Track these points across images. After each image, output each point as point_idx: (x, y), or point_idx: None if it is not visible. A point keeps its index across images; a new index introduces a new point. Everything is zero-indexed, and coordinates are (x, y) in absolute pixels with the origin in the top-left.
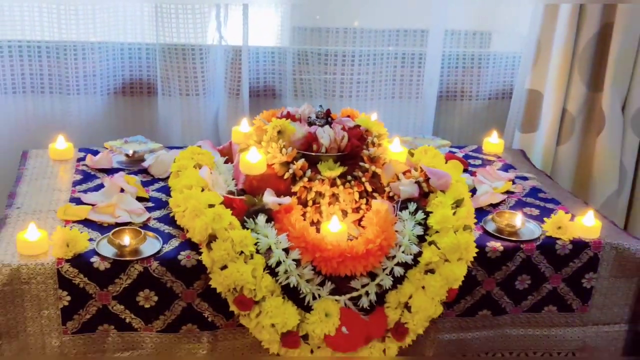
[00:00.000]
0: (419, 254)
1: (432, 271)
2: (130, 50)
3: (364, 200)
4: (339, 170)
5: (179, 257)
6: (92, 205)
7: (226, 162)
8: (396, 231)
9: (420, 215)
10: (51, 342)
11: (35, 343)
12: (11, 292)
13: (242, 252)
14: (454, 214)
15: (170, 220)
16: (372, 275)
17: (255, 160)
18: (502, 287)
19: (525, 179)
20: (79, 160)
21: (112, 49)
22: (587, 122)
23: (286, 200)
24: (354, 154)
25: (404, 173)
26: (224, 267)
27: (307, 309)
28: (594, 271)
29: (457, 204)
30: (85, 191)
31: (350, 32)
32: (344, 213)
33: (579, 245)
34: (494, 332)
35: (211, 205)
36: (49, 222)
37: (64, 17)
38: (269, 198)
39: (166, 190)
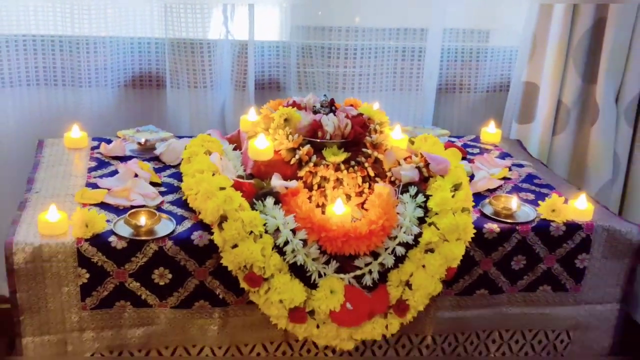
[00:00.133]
0: (420, 234)
1: (431, 251)
2: (140, 44)
3: (366, 185)
4: (342, 156)
5: (192, 237)
6: (108, 189)
7: (234, 149)
8: (398, 213)
9: (420, 198)
10: (70, 317)
11: (55, 318)
12: (33, 269)
13: (251, 232)
14: (453, 196)
15: (182, 203)
16: (375, 255)
17: (263, 146)
18: (499, 267)
19: (521, 166)
20: (93, 148)
21: (123, 44)
22: (581, 113)
23: (293, 183)
24: (357, 141)
25: (404, 159)
26: (235, 246)
27: (313, 286)
28: (586, 252)
29: (456, 187)
30: (100, 177)
31: (352, 30)
32: (348, 197)
33: (572, 227)
34: (491, 310)
35: (222, 188)
36: (67, 205)
37: (77, 13)
38: (277, 182)
39: (177, 176)
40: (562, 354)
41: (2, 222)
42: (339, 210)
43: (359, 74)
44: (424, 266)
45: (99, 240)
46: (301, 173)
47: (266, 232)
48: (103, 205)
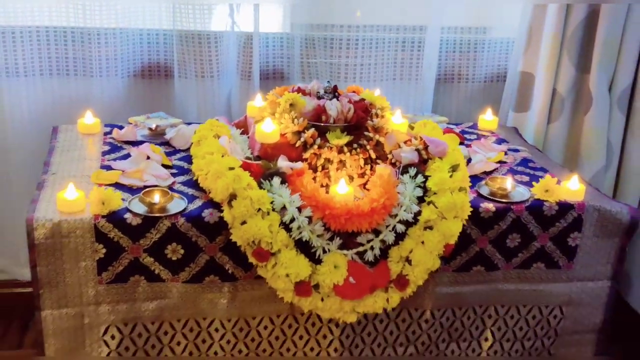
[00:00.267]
0: (419, 212)
1: (430, 228)
2: (149, 36)
3: (368, 166)
4: (345, 139)
5: (203, 214)
6: (122, 171)
7: (241, 134)
8: (398, 192)
9: (419, 178)
10: (87, 291)
11: (72, 292)
12: (52, 245)
13: (259, 209)
14: (451, 177)
15: (192, 184)
16: (377, 232)
17: (269, 130)
18: (495, 244)
19: (517, 151)
20: (106, 134)
21: (132, 35)
22: (575, 102)
23: (298, 165)
24: (359, 125)
25: (404, 142)
26: (244, 223)
27: (318, 261)
28: (578, 231)
29: (454, 168)
30: (114, 160)
31: (354, 26)
32: (350, 178)
33: (564, 207)
34: (487, 286)
35: (231, 168)
36: (83, 185)
37: (89, 5)
38: (283, 163)
39: (187, 160)
40: (556, 329)
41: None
42: (342, 189)
43: (360, 64)
44: (423, 243)
45: (115, 217)
46: (306, 155)
47: (273, 209)
48: (117, 186)
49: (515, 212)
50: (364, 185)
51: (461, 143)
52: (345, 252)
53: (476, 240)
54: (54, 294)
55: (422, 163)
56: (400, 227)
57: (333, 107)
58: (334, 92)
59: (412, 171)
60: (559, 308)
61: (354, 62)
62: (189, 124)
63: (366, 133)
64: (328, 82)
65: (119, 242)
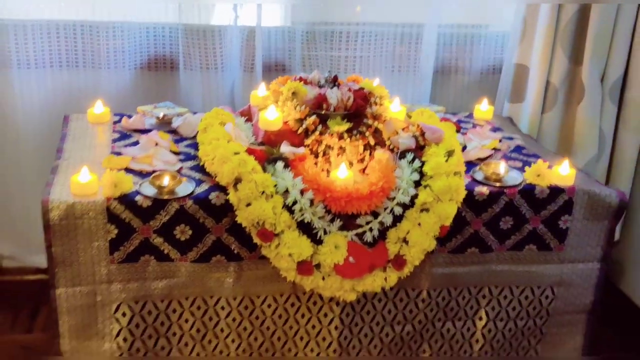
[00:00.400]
0: (416, 195)
1: (426, 210)
2: (155, 29)
3: (367, 152)
4: (345, 126)
5: (210, 197)
6: (132, 157)
7: (245, 122)
8: (396, 177)
9: (416, 163)
10: (100, 270)
11: (86, 271)
12: (67, 226)
13: (263, 192)
14: (446, 161)
15: (199, 169)
16: (375, 214)
17: (273, 117)
18: (488, 227)
19: (511, 139)
20: (115, 122)
21: (139, 29)
22: (568, 93)
23: (300, 150)
24: (359, 112)
25: (402, 128)
26: (249, 205)
27: (319, 242)
28: (569, 214)
29: (449, 154)
30: (124, 146)
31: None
32: (350, 163)
33: (555, 191)
34: (481, 267)
35: (237, 153)
36: (95, 170)
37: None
38: (286, 148)
39: (193, 147)
40: (547, 309)
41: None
42: (342, 174)
43: (359, 57)
44: (419, 224)
45: (126, 199)
46: (308, 141)
47: (277, 192)
48: (128, 171)
49: (508, 195)
50: (363, 170)
51: (457, 131)
52: (345, 233)
53: (471, 222)
54: (68, 273)
55: (419, 149)
56: (398, 210)
57: (333, 96)
58: (334, 81)
59: (410, 156)
60: (550, 289)
61: (353, 54)
62: (195, 113)
63: (365, 120)
64: (329, 71)
65: (130, 223)
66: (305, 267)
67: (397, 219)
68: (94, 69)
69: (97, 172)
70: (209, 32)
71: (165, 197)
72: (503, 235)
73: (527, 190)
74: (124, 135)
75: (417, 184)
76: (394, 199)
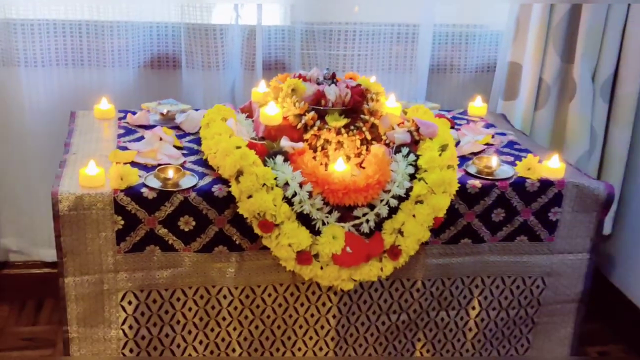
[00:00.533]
0: (410, 188)
1: (421, 202)
2: (159, 28)
3: (364, 147)
4: (343, 121)
5: (213, 189)
6: (137, 151)
7: (246, 118)
8: (391, 170)
9: (411, 157)
10: (107, 259)
11: (93, 260)
12: (75, 216)
13: (264, 184)
14: (440, 155)
15: (202, 162)
16: (372, 206)
17: (273, 113)
18: (481, 219)
19: (503, 134)
20: (120, 119)
21: (143, 28)
22: (560, 90)
23: (299, 144)
24: (356, 108)
25: (398, 124)
26: (250, 197)
27: (318, 232)
28: (558, 206)
29: (443, 148)
30: (129, 141)
31: (351, 22)
32: (348, 157)
33: (545, 184)
34: (474, 258)
35: (238, 147)
36: (102, 164)
37: (102, 0)
38: (285, 143)
39: (196, 142)
40: (538, 298)
41: (37, 186)
42: (340, 167)
43: (357, 55)
44: (414, 216)
45: (132, 191)
46: (307, 136)
47: (277, 185)
48: (133, 164)
49: (500, 188)
50: (360, 164)
51: (452, 127)
52: (342, 224)
53: (464, 214)
54: (76, 262)
55: (414, 143)
56: (393, 202)
57: (332, 92)
58: (333, 78)
59: (405, 151)
60: (541, 279)
61: (351, 53)
62: (197, 110)
63: (362, 116)
64: (327, 69)
65: (136, 214)
66: (304, 256)
67: (393, 211)
68: (99, 67)
69: (104, 166)
70: (211, 31)
71: (170, 189)
72: (495, 226)
73: (518, 183)
74: (129, 131)
75: (412, 177)
76: (389, 191)
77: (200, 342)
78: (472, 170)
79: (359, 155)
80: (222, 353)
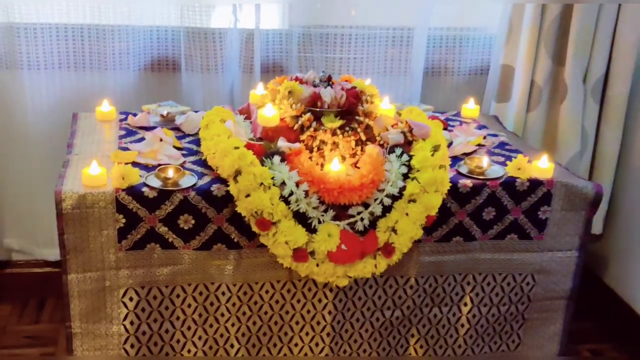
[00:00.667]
0: (404, 187)
1: (414, 201)
2: (158, 32)
3: (359, 148)
4: (338, 122)
5: (211, 188)
6: (138, 151)
7: (244, 119)
8: (385, 170)
9: (405, 157)
10: (109, 257)
11: (95, 257)
12: (78, 215)
13: (262, 183)
14: (432, 156)
15: (201, 163)
16: (366, 205)
17: (270, 114)
18: (472, 217)
19: (495, 135)
20: (121, 120)
21: (143, 32)
22: (552, 92)
23: (296, 145)
24: (351, 110)
25: (392, 125)
26: (248, 196)
27: (314, 230)
28: (548, 205)
29: (435, 149)
30: (130, 142)
31: (347, 26)
32: (343, 158)
33: (535, 183)
34: (466, 256)
35: (236, 148)
36: (104, 164)
37: (103, 4)
38: (282, 143)
39: (196, 143)
40: (528, 295)
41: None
42: (335, 167)
43: (353, 58)
44: (407, 214)
45: (133, 190)
46: (303, 137)
47: (274, 184)
48: (134, 164)
49: (491, 187)
50: (355, 164)
51: (445, 128)
52: (337, 222)
53: (455, 213)
54: (79, 259)
55: (407, 144)
56: (387, 201)
57: (327, 94)
58: (328, 81)
59: (398, 151)
60: (531, 276)
61: (347, 56)
62: (196, 111)
63: (357, 117)
64: (323, 72)
65: (137, 212)
66: (300, 254)
67: (387, 209)
68: (101, 70)
69: (106, 166)
70: (210, 34)
71: (170, 188)
72: (486, 225)
73: (509, 183)
74: (130, 132)
75: (405, 176)
76: (383, 190)
77: (200, 338)
78: (463, 170)
79: (353, 155)
80: (220, 348)
